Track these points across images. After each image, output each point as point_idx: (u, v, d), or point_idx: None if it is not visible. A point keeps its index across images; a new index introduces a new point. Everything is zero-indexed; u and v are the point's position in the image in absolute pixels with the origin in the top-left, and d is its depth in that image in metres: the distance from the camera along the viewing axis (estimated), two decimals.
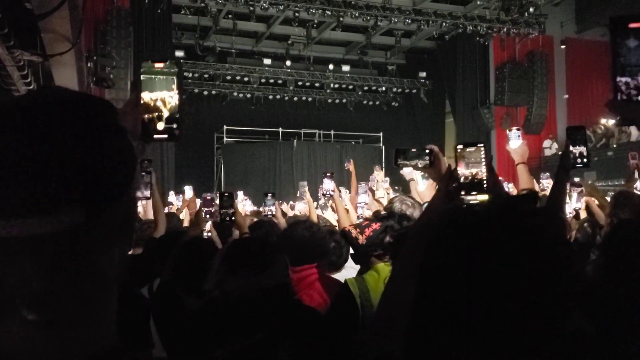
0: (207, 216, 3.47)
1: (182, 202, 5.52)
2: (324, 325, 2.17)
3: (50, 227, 0.67)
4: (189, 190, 5.38)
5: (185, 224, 5.95)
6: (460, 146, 1.57)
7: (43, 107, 0.72)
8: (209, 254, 2.73)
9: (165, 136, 1.17)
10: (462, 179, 1.56)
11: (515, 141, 3.05)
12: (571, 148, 2.37)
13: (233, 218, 3.41)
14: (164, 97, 1.18)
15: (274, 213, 4.68)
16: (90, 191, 0.70)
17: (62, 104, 0.73)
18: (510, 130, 3.14)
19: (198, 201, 5.95)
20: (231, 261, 2.04)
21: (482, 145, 1.58)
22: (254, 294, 1.96)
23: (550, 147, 19.55)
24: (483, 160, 1.58)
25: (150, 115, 1.16)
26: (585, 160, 2.35)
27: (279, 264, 2.06)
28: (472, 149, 1.57)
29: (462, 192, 1.53)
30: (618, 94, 1.07)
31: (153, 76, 1.19)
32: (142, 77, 1.19)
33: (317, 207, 6.28)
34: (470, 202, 1.55)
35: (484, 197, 1.55)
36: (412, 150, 2.13)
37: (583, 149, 2.36)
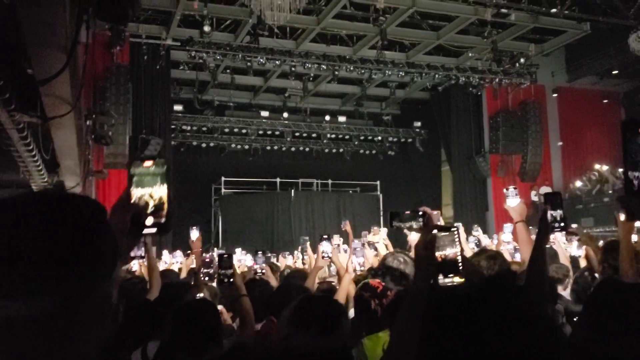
0: (206, 278, 3.47)
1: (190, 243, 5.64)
2: None
3: (23, 311, 0.71)
4: (194, 232, 5.45)
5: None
6: (434, 230, 1.62)
7: (32, 204, 0.80)
8: (209, 316, 2.74)
9: (154, 230, 1.22)
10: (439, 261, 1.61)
11: (513, 199, 3.09)
12: (550, 212, 2.42)
13: (232, 279, 3.42)
14: (152, 193, 1.24)
15: (264, 271, 4.69)
16: (65, 281, 0.74)
17: (50, 203, 0.81)
18: (507, 189, 3.18)
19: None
20: (302, 317, 2.03)
21: (455, 229, 1.64)
22: (319, 354, 1.96)
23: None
24: (457, 242, 1.63)
25: (140, 212, 1.21)
26: (562, 224, 2.41)
27: (345, 326, 2.07)
28: (446, 232, 1.62)
29: (440, 275, 1.58)
30: (629, 188, 1.14)
31: (142, 173, 1.25)
32: (132, 174, 1.25)
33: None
34: (447, 284, 1.59)
35: (460, 279, 1.59)
36: (406, 212, 2.18)
37: (560, 213, 2.42)
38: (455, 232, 1.70)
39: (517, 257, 5.57)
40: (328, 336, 1.98)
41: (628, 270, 2.98)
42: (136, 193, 1.22)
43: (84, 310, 0.77)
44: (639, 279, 2.93)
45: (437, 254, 1.65)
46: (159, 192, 1.24)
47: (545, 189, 19.60)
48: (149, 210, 1.23)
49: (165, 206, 1.24)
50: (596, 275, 4.27)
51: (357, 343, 2.40)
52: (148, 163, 1.26)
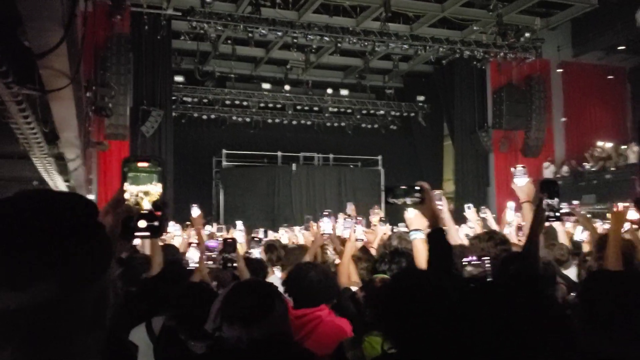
0: (209, 262, 3.44)
1: (192, 220, 5.71)
2: None
3: (24, 300, 0.73)
4: (195, 209, 5.49)
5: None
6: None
7: (31, 200, 0.81)
8: (211, 299, 2.71)
9: (148, 233, 1.18)
10: None
11: (521, 179, 3.01)
12: (546, 201, 2.36)
13: (235, 264, 3.41)
14: (147, 191, 1.19)
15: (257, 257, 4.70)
16: (63, 271, 0.76)
17: (48, 200, 0.82)
18: (515, 167, 3.09)
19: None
20: (228, 309, 2.03)
21: None
22: (247, 344, 1.95)
23: (547, 169, 19.58)
24: None
25: (132, 215, 1.17)
26: (558, 213, 2.36)
27: (276, 312, 2.04)
28: None
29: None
30: None
31: (137, 173, 1.20)
32: (125, 173, 1.20)
33: None
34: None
35: None
36: (401, 187, 2.08)
37: (557, 201, 2.36)
38: None
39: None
40: (253, 326, 1.95)
41: (614, 262, 2.92)
42: (131, 190, 1.18)
43: (81, 302, 0.78)
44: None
45: None
46: (154, 191, 1.19)
47: (546, 165, 19.54)
48: (143, 210, 1.18)
49: (160, 206, 1.19)
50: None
51: (358, 341, 2.36)
52: (143, 164, 1.20)
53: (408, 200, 2.08)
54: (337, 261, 4.47)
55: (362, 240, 4.74)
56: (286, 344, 2.09)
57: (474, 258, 2.49)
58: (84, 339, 0.79)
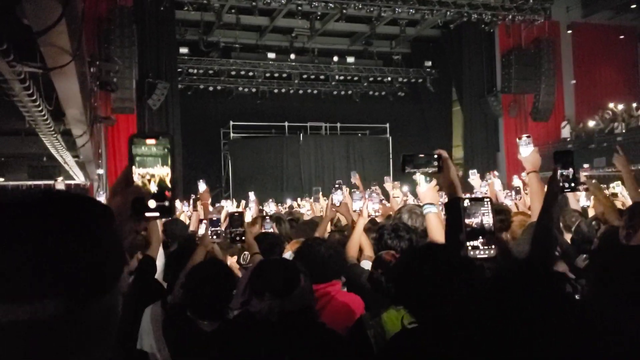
0: (214, 237, 3.39)
1: (199, 195, 5.74)
2: (347, 348, 2.17)
3: (28, 314, 0.70)
4: (202, 184, 5.48)
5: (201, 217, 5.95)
6: (466, 201, 1.58)
7: (39, 207, 0.78)
8: (219, 276, 2.72)
9: (157, 214, 1.16)
10: (468, 228, 1.58)
11: (526, 149, 2.97)
12: (560, 171, 2.32)
13: (243, 238, 3.36)
14: (155, 173, 1.16)
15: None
16: (71, 286, 0.73)
17: (58, 206, 0.79)
18: (520, 138, 3.05)
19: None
20: (257, 283, 2.07)
21: (488, 199, 1.59)
22: (277, 317, 2.00)
23: (564, 128, 19.44)
24: (489, 211, 1.59)
25: (141, 195, 1.15)
26: (573, 184, 2.32)
27: (304, 287, 2.08)
28: (477, 202, 1.59)
29: (468, 242, 1.56)
30: None
31: (145, 151, 1.17)
32: (134, 152, 1.17)
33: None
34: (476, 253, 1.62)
35: (492, 249, 1.60)
36: (420, 156, 2.04)
37: (571, 172, 2.31)
38: (488, 202, 1.69)
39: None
40: (282, 299, 2.01)
41: None
42: (138, 172, 1.15)
43: (89, 318, 0.76)
44: None
45: (468, 221, 1.68)
46: (162, 173, 1.16)
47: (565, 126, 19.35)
48: (152, 192, 1.16)
49: (169, 187, 1.16)
50: (602, 225, 4.20)
51: (376, 317, 2.36)
52: (150, 141, 1.17)
53: (428, 170, 2.05)
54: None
55: (376, 216, 4.67)
56: (315, 320, 2.13)
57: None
58: (90, 354, 0.77)
